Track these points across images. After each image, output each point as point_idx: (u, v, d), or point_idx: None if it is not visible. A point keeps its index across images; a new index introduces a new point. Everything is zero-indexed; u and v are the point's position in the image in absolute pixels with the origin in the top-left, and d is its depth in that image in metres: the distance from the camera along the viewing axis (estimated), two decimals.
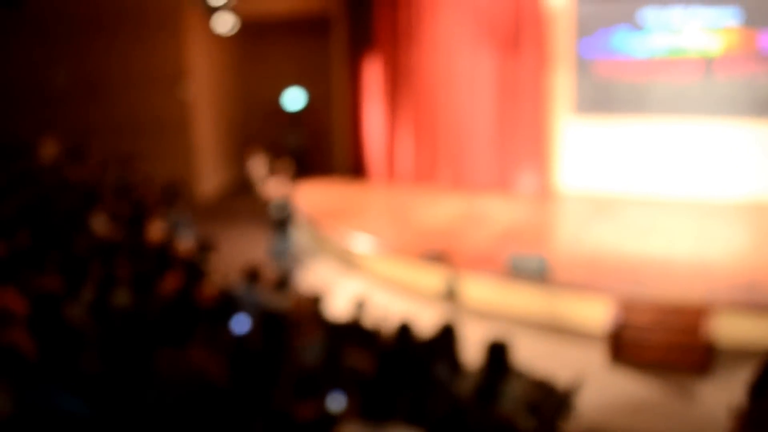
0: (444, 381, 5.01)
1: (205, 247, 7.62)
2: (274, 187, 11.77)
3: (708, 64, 13.15)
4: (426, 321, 9.17)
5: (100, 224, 7.88)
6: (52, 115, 13.69)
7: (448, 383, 5.02)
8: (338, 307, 8.29)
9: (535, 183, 14.24)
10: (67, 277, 5.20)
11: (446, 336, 5.86)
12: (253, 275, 6.42)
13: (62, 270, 5.39)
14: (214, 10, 12.36)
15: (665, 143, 13.59)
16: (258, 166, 12.89)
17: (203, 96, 14.92)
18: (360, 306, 7.06)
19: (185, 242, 7.74)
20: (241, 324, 5.09)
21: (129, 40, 13.88)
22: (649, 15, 13.34)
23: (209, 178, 15.35)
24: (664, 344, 8.50)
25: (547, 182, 14.25)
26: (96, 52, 13.94)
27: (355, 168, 15.88)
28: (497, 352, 5.00)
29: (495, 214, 12.97)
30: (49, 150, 10.92)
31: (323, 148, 16.41)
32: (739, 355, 8.26)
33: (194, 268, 6.41)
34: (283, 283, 6.62)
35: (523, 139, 14.25)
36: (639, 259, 10.46)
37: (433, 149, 15.00)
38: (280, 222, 11.39)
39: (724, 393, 7.28)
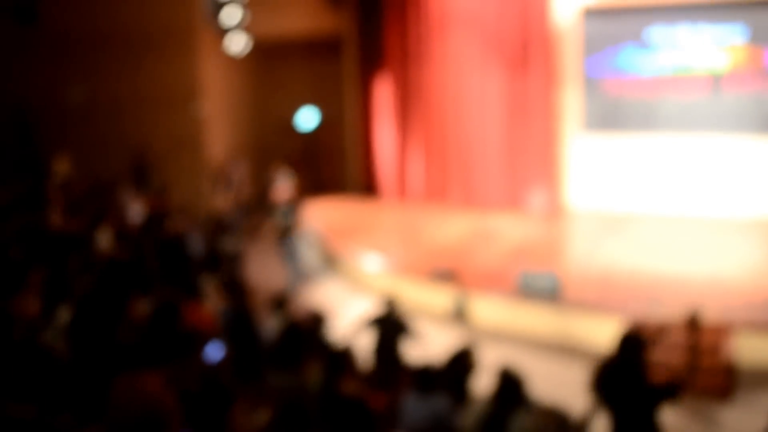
0: (444, 414, 4.37)
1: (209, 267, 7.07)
2: (281, 192, 11.18)
3: (715, 81, 12.81)
4: (434, 342, 8.59)
5: (105, 241, 7.35)
6: (66, 133, 13.25)
7: (449, 416, 4.38)
8: (342, 328, 7.68)
9: (545, 201, 13.72)
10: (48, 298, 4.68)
11: (458, 363, 5.16)
12: (239, 295, 5.82)
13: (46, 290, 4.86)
14: (227, 30, 11.92)
15: (675, 160, 13.17)
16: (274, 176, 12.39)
17: (217, 115, 14.47)
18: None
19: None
20: (215, 351, 4.51)
21: (143, 59, 13.45)
22: (656, 33, 12.94)
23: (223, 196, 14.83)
24: (679, 365, 7.83)
25: (557, 200, 13.73)
26: (110, 71, 13.52)
27: (366, 186, 15.48)
28: (509, 384, 4.34)
29: (505, 232, 12.45)
30: (62, 167, 10.48)
31: (335, 166, 15.93)
32: (761, 377, 7.60)
33: (193, 287, 5.86)
34: (279, 303, 6.02)
35: (533, 157, 13.81)
36: (652, 277, 9.88)
37: (443, 167, 14.56)
38: (285, 230, 10.75)
39: (748, 417, 6.61)
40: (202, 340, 4.47)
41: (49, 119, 13.38)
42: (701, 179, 12.97)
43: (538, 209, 13.73)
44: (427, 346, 8.34)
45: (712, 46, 12.70)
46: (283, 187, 11.31)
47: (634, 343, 4.79)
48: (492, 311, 9.35)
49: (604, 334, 8.58)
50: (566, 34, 13.47)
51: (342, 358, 4.14)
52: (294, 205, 10.93)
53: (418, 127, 14.68)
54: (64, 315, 4.51)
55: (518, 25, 13.55)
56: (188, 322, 4.58)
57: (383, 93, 14.97)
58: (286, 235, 10.64)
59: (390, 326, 6.93)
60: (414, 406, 4.43)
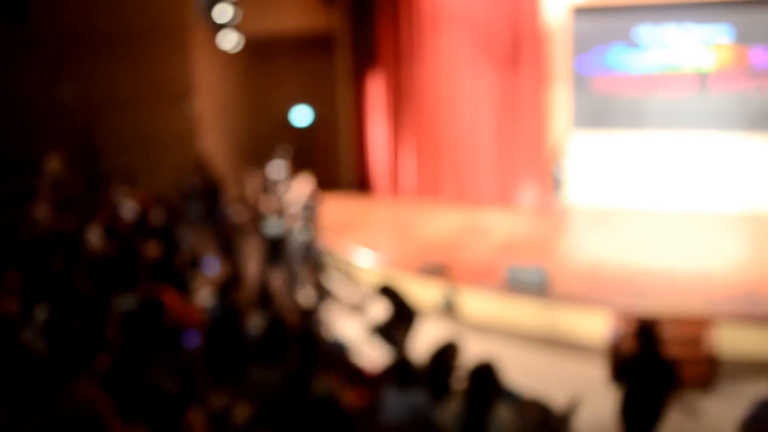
0: (424, 409, 4.30)
1: (198, 264, 6.99)
2: (300, 189, 10.98)
3: (702, 79, 12.79)
4: (424, 335, 8.54)
5: (95, 238, 7.27)
6: (58, 131, 13.12)
7: (428, 411, 4.31)
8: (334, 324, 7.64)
9: (535, 196, 13.65)
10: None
11: (442, 358, 5.07)
12: (226, 289, 5.74)
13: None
14: (219, 27, 11.78)
15: (662, 156, 13.09)
16: (280, 169, 12.20)
17: (210, 112, 14.35)
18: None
19: (180, 256, 7.11)
20: (193, 338, 4.45)
21: (135, 56, 13.31)
22: (644, 32, 12.88)
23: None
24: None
25: (547, 195, 13.64)
26: (102, 69, 13.37)
27: (359, 182, 15.40)
28: (483, 377, 4.27)
29: (496, 227, 12.39)
30: (53, 165, 10.37)
31: (329, 163, 15.85)
32: (741, 367, 7.57)
33: (182, 284, 5.78)
34: (267, 299, 5.95)
35: (524, 153, 13.74)
36: (638, 271, 9.82)
37: (435, 164, 14.49)
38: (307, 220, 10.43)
39: (729, 407, 6.56)
40: (187, 334, 4.42)
41: (41, 117, 13.25)
42: (687, 175, 12.93)
43: (529, 205, 13.66)
44: (416, 339, 8.30)
45: (699, 45, 12.66)
46: (302, 184, 11.05)
47: (651, 332, 5.40)
48: (481, 305, 9.28)
49: (591, 328, 8.56)
50: (556, 32, 13.40)
51: (317, 353, 4.08)
52: (313, 202, 10.58)
53: (411, 124, 14.60)
54: (42, 313, 4.43)
55: (509, 24, 13.46)
56: (175, 317, 4.54)
57: (376, 90, 14.88)
58: (306, 227, 10.24)
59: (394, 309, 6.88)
60: (394, 401, 4.36)
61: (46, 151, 11.06)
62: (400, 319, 6.85)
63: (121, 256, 6.42)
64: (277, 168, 12.56)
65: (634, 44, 13.04)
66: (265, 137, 15.99)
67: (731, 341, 7.90)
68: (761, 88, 12.42)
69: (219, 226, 11.54)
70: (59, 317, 4.04)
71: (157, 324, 4.22)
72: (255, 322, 5.16)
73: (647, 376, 5.41)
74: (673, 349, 7.65)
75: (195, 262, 7.10)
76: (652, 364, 5.42)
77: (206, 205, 12.32)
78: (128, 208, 9.17)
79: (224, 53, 14.05)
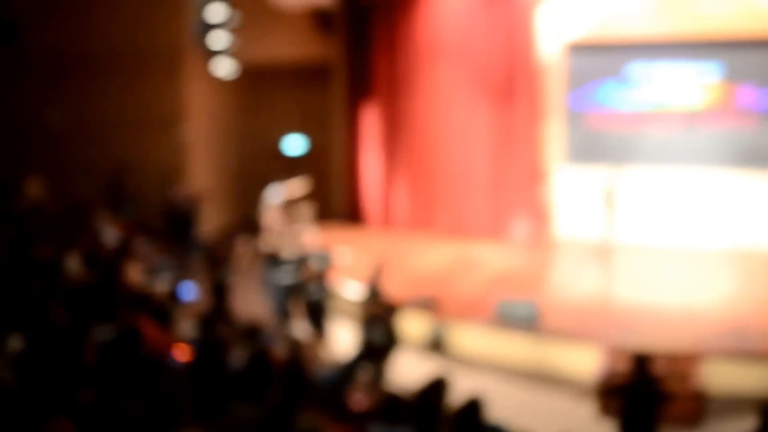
0: None
1: (180, 295, 6.89)
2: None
3: (692, 117, 12.88)
4: (412, 371, 8.44)
5: (74, 266, 7.16)
6: (43, 155, 13.00)
7: None
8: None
9: (528, 230, 13.61)
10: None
11: (430, 393, 4.97)
12: (209, 321, 5.65)
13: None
14: (214, 54, 11.76)
15: (653, 192, 13.06)
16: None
17: (202, 139, 14.29)
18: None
19: (161, 286, 7.02)
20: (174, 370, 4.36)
21: (127, 80, 13.24)
22: (636, 70, 12.97)
23: (207, 222, 14.63)
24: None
25: (540, 229, 13.61)
26: (92, 93, 13.28)
27: (352, 213, 15.30)
28: (470, 414, 4.20)
29: (488, 260, 12.34)
30: (33, 190, 10.25)
31: (321, 193, 15.80)
32: (730, 404, 7.52)
33: (163, 314, 5.69)
34: (252, 332, 5.86)
35: (517, 187, 13.71)
36: (629, 307, 9.76)
37: (429, 196, 14.45)
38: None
39: None
40: (167, 367, 4.33)
41: (27, 141, 13.14)
42: (678, 211, 12.94)
43: (522, 238, 13.63)
44: (404, 374, 8.21)
45: (689, 83, 12.75)
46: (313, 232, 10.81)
47: (645, 363, 5.95)
48: (470, 339, 9.20)
49: (581, 363, 8.49)
50: (551, 68, 13.46)
51: (303, 388, 4.00)
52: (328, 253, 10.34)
53: (404, 156, 14.58)
54: (14, 343, 4.31)
55: (504, 59, 13.52)
56: (154, 348, 4.45)
57: (370, 121, 14.88)
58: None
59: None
60: None
61: (28, 174, 10.94)
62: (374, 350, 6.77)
63: (100, 284, 6.33)
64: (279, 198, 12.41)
65: (625, 81, 13.13)
66: (258, 165, 15.94)
67: (720, 377, 7.85)
68: (748, 127, 12.50)
69: (195, 253, 11.45)
70: (34, 348, 3.95)
71: (136, 355, 4.13)
72: (238, 356, 5.08)
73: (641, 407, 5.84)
74: (663, 386, 7.62)
75: (173, 290, 7.00)
76: (646, 396, 5.82)
77: (181, 231, 12.24)
78: (110, 234, 9.07)
79: (218, 80, 14.03)
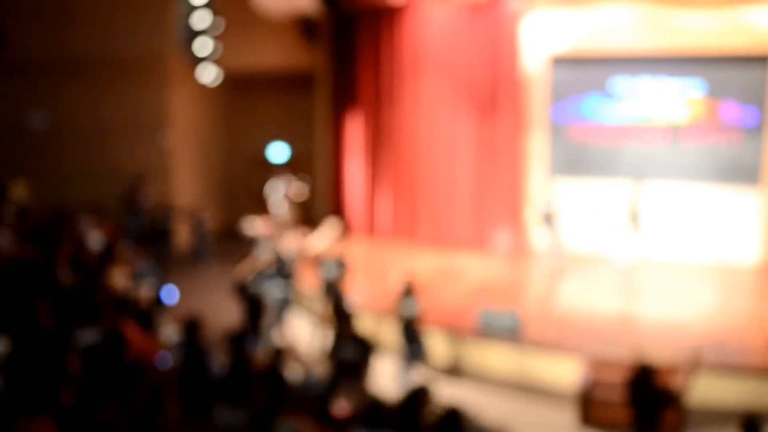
0: None
1: (163, 300, 6.84)
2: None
3: (674, 132, 12.91)
4: (394, 378, 8.43)
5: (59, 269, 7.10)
6: (27, 159, 12.92)
7: None
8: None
9: (510, 241, 13.65)
10: None
11: (412, 401, 4.97)
12: (192, 326, 5.60)
13: None
14: (199, 60, 11.72)
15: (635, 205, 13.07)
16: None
17: (184, 145, 14.24)
18: None
19: (145, 292, 6.97)
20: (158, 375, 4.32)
21: (110, 86, 13.22)
22: (620, 84, 13.05)
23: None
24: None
25: (522, 240, 13.65)
26: (77, 98, 13.25)
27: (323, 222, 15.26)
28: (451, 423, 4.19)
29: (470, 270, 12.34)
30: (19, 193, 10.18)
31: (304, 202, 15.79)
32: (710, 416, 7.56)
33: (147, 319, 5.64)
34: (235, 338, 5.81)
35: (500, 198, 13.74)
36: (610, 318, 9.79)
37: (412, 206, 14.46)
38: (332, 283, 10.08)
39: None
40: (149, 371, 4.29)
41: (12, 145, 13.05)
42: (660, 225, 13.01)
43: (504, 249, 13.65)
44: (387, 382, 8.19)
45: (673, 98, 12.85)
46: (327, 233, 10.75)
47: (646, 369, 6.42)
48: (452, 349, 9.20)
49: (562, 374, 8.51)
50: (534, 81, 13.52)
51: (284, 394, 3.97)
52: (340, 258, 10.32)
53: (388, 166, 14.59)
54: (2, 346, 4.26)
55: (489, 71, 13.58)
56: (138, 353, 4.41)
57: (354, 130, 14.87)
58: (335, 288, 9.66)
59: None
60: None
61: (12, 178, 10.88)
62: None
63: (84, 288, 6.28)
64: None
65: (609, 95, 13.21)
66: (241, 173, 15.91)
67: (701, 390, 7.88)
68: (731, 142, 12.61)
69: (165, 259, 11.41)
70: (20, 350, 3.90)
71: (120, 359, 4.09)
72: (220, 361, 5.04)
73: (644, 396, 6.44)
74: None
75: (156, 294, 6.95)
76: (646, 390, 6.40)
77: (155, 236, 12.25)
78: (95, 239, 9.01)
79: (202, 87, 14.00)
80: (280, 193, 13.94)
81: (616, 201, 13.20)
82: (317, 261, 9.91)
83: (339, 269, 9.72)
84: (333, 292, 9.28)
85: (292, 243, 10.43)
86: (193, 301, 9.49)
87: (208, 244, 13.77)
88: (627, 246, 11.35)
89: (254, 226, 11.67)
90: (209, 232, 13.89)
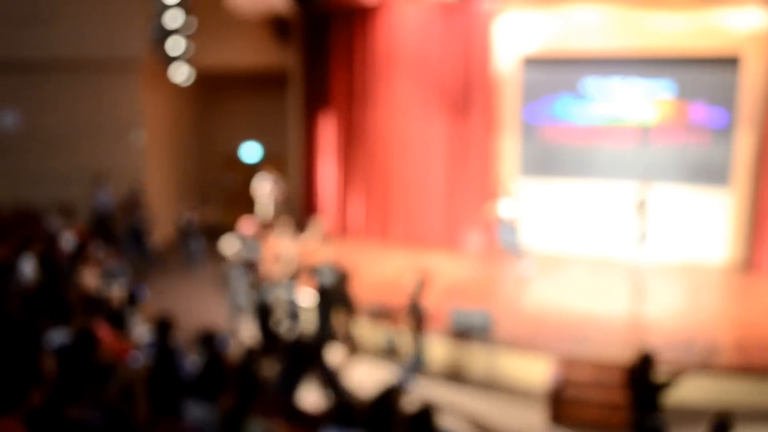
0: None
1: (134, 300, 6.78)
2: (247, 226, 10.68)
3: (645, 132, 13.03)
4: (366, 377, 8.43)
5: (28, 269, 7.02)
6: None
7: None
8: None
9: (481, 241, 13.69)
10: None
11: (383, 400, 4.97)
12: (164, 326, 5.56)
13: None
14: (171, 60, 11.62)
15: (605, 205, 13.25)
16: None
17: (157, 144, 14.14)
18: None
19: (117, 292, 6.91)
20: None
21: (82, 86, 13.11)
22: (591, 84, 13.15)
23: (161, 226, 14.45)
24: (605, 403, 7.81)
25: (494, 241, 13.70)
26: (48, 97, 13.11)
27: (307, 222, 15.21)
28: (422, 422, 4.21)
29: (442, 270, 12.34)
30: None
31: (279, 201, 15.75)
32: (679, 415, 7.62)
33: (119, 319, 5.60)
34: (206, 337, 5.78)
35: (471, 198, 13.78)
36: (580, 317, 9.87)
37: (384, 206, 14.48)
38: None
39: None
40: (121, 371, 4.25)
41: None
42: (630, 224, 13.12)
43: (475, 249, 13.71)
44: (359, 381, 8.19)
45: (643, 99, 12.98)
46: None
47: (647, 358, 6.68)
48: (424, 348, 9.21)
49: (532, 372, 8.56)
50: (506, 81, 13.59)
51: (255, 392, 3.96)
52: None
53: (361, 166, 14.59)
54: None
55: (461, 72, 13.63)
56: (109, 353, 4.37)
57: (327, 130, 14.85)
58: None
59: None
60: None
61: None
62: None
63: (55, 288, 6.21)
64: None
65: (580, 96, 13.31)
66: (214, 171, 15.82)
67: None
68: (700, 143, 12.77)
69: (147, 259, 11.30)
70: None
71: (91, 359, 4.05)
72: (192, 360, 5.01)
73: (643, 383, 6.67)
74: (612, 395, 7.72)
75: (131, 294, 6.90)
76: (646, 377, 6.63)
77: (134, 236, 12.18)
78: (66, 239, 8.91)
79: (176, 86, 13.92)
80: (265, 192, 13.88)
81: (588, 201, 13.35)
82: (312, 267, 9.90)
83: (335, 275, 9.71)
84: (328, 298, 9.29)
85: (290, 246, 10.46)
86: (184, 304, 9.46)
87: (200, 244, 13.60)
88: (636, 247, 11.46)
89: (239, 229, 11.60)
90: (199, 233, 13.73)
